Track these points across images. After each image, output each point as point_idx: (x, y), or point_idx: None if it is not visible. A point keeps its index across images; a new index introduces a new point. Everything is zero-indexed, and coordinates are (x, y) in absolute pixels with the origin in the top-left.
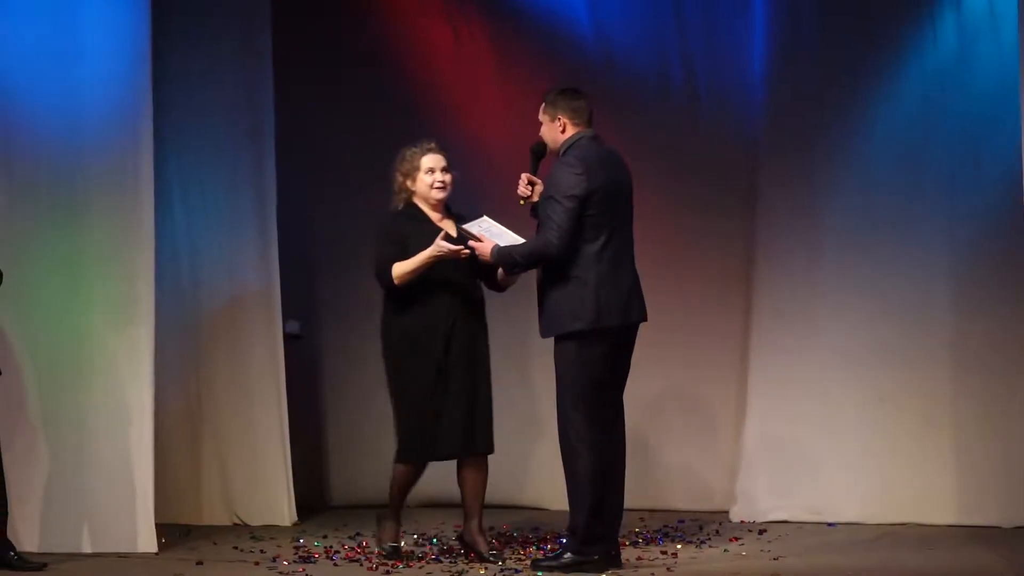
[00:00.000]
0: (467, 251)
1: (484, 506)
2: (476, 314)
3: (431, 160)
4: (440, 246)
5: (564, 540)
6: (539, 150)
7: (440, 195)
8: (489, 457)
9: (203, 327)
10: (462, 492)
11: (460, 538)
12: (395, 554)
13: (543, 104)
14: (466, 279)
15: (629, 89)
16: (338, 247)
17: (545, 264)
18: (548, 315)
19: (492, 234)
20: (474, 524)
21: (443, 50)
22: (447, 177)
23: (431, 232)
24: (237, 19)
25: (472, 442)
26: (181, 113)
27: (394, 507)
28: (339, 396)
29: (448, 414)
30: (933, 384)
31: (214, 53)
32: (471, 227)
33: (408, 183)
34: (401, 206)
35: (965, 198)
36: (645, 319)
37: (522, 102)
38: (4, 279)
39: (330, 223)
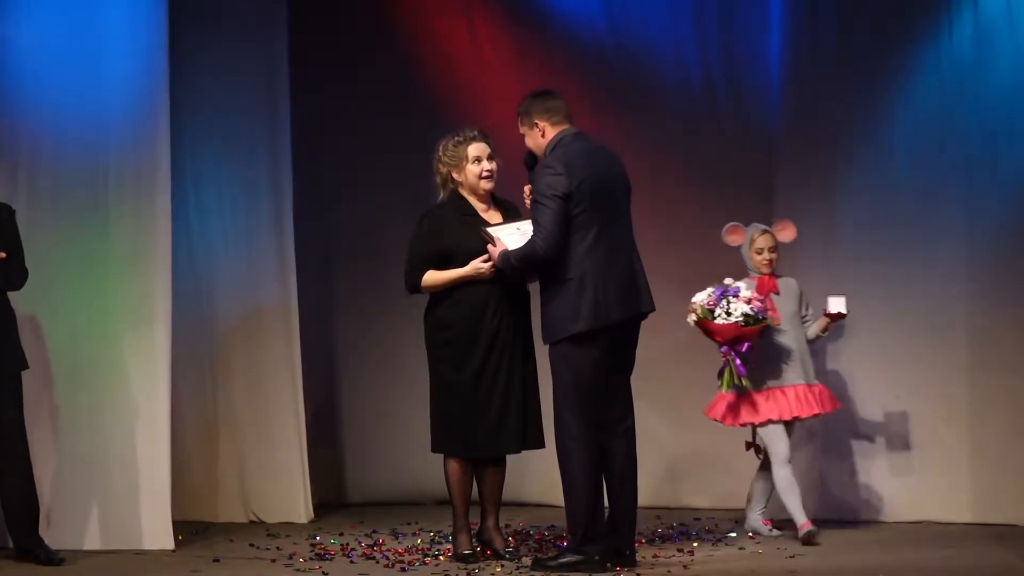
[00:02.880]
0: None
1: (501, 503)
2: (522, 311)
3: (477, 149)
4: (477, 268)
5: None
6: (530, 161)
7: (489, 185)
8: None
9: (220, 325)
10: (480, 490)
11: (477, 535)
12: (465, 560)
13: (519, 119)
14: (506, 276)
15: (647, 89)
16: (355, 245)
17: (537, 266)
18: (548, 320)
19: (519, 235)
20: (491, 522)
21: (461, 49)
22: (494, 165)
23: (476, 225)
24: (254, 18)
25: (523, 439)
26: (198, 112)
27: (456, 513)
28: (356, 393)
29: (495, 410)
30: (950, 383)
31: (231, 52)
32: (494, 231)
33: (455, 174)
34: (446, 197)
35: (982, 197)
36: (652, 309)
37: None
38: (29, 277)
39: (347, 221)
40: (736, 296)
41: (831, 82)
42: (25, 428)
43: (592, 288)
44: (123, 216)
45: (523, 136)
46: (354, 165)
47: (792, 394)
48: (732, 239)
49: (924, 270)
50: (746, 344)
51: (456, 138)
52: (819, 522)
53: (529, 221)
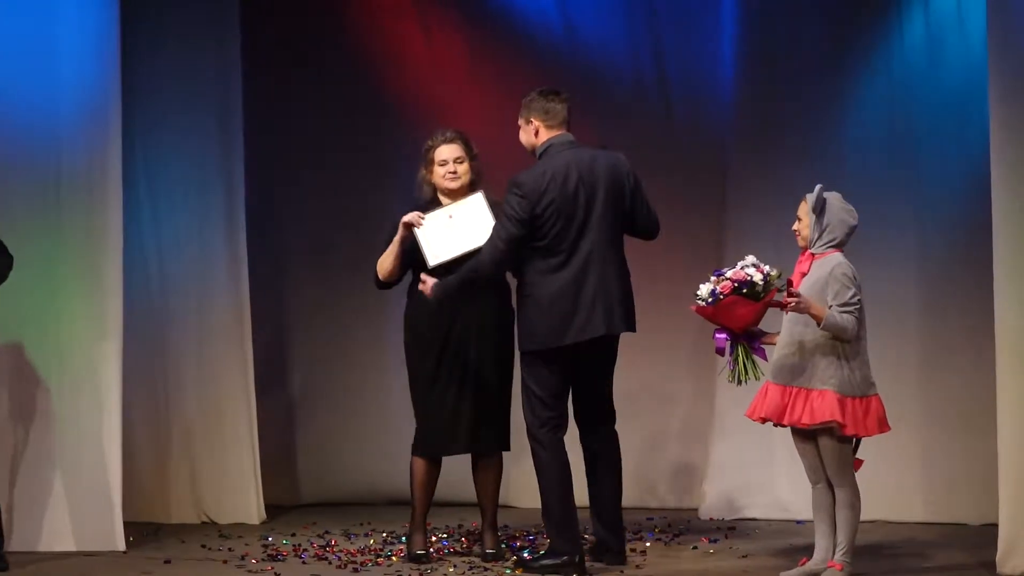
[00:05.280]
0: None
1: (462, 504)
2: (486, 310)
3: (445, 151)
4: (403, 222)
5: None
6: None
7: (451, 185)
8: (457, 457)
9: (172, 324)
10: (475, 489)
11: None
12: (417, 560)
13: (521, 108)
14: None
15: (600, 90)
16: (307, 245)
17: (484, 285)
18: (518, 329)
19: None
20: (484, 521)
21: (414, 48)
22: (460, 168)
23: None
24: (207, 17)
25: (476, 440)
26: (150, 112)
27: (413, 512)
28: (309, 394)
29: (448, 410)
30: (901, 381)
31: (183, 52)
32: (428, 220)
33: (429, 176)
34: (423, 199)
35: (933, 197)
36: (617, 331)
37: (493, 101)
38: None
39: (300, 221)
40: (719, 275)
41: (783, 83)
42: None
43: (548, 310)
44: (75, 216)
45: (512, 122)
46: (306, 164)
47: (762, 393)
48: None
49: (875, 270)
50: (715, 332)
51: (430, 141)
52: (771, 522)
53: (460, 204)
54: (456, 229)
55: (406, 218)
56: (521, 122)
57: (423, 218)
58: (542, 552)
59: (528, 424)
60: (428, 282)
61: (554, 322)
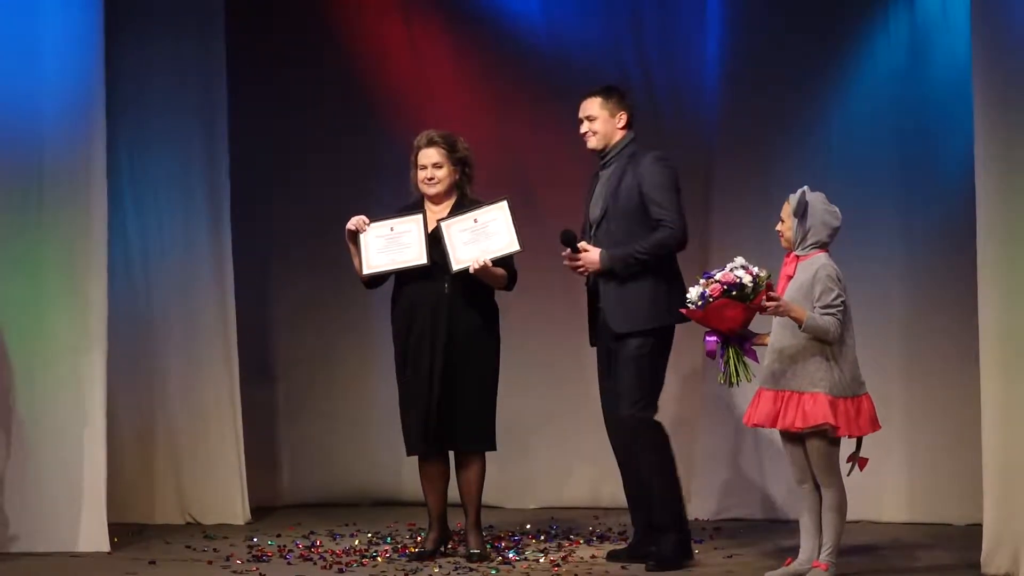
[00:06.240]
0: (364, 223)
1: (448, 504)
2: (447, 310)
3: (422, 156)
4: (348, 228)
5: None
6: (569, 239)
7: (428, 191)
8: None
9: (156, 325)
10: (458, 489)
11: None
12: (418, 557)
13: (600, 99)
14: (430, 274)
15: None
16: (292, 245)
17: (668, 253)
18: (628, 310)
19: (478, 233)
20: (467, 521)
21: (398, 48)
22: (439, 173)
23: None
24: (191, 17)
25: (453, 439)
26: (134, 111)
27: (428, 509)
28: (294, 394)
29: (416, 409)
30: (886, 383)
31: (168, 52)
32: (448, 225)
33: (414, 177)
34: (415, 199)
35: (919, 198)
36: None
37: (476, 101)
38: None
39: (284, 222)
40: (708, 278)
41: (768, 83)
42: None
43: (678, 282)
44: (60, 215)
45: (585, 118)
46: (291, 165)
47: (755, 400)
48: None
49: (861, 270)
50: (705, 334)
51: (415, 142)
52: (757, 522)
53: (402, 220)
54: (394, 243)
55: (350, 224)
56: (604, 114)
57: (367, 224)
58: (663, 545)
59: (645, 412)
60: (591, 255)
61: (676, 295)
